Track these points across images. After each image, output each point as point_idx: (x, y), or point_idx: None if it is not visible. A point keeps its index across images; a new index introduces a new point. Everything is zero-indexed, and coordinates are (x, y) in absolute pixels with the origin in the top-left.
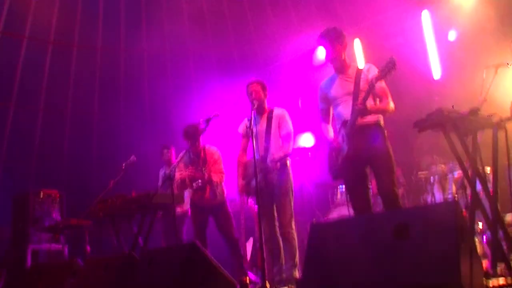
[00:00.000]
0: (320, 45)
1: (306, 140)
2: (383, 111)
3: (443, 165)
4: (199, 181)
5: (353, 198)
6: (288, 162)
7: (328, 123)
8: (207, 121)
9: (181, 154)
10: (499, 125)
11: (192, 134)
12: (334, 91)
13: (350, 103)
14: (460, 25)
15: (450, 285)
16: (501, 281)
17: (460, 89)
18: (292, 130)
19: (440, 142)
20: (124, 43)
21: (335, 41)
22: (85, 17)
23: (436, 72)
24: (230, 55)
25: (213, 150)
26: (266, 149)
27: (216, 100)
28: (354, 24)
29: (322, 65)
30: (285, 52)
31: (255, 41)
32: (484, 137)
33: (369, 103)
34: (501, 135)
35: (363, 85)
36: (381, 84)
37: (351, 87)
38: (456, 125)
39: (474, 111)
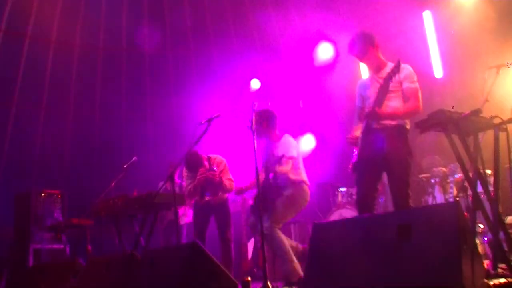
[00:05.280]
0: (352, 54)
1: (307, 141)
2: (404, 115)
3: (444, 168)
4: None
5: (357, 195)
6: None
7: (361, 122)
8: (209, 121)
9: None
10: (501, 126)
11: (194, 166)
12: (368, 90)
13: None
14: (461, 25)
15: (451, 285)
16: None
17: (462, 89)
18: (295, 155)
19: (440, 142)
20: (125, 43)
21: (367, 45)
22: (87, 16)
23: (438, 72)
24: (231, 55)
25: (219, 160)
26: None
27: (217, 100)
28: (355, 25)
29: (324, 66)
30: (286, 52)
31: (256, 41)
32: (485, 138)
33: (391, 104)
34: (502, 136)
35: (393, 85)
36: (410, 85)
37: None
38: (457, 126)
39: (476, 112)
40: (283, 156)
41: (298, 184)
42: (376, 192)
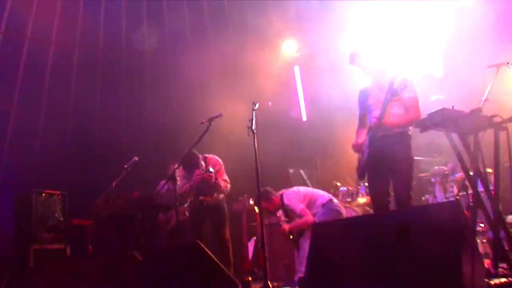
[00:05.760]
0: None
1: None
2: (406, 124)
3: (444, 167)
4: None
5: (372, 200)
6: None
7: (364, 128)
8: (210, 121)
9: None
10: (501, 125)
11: (190, 166)
12: (369, 98)
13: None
14: (460, 24)
15: (451, 285)
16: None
17: (461, 88)
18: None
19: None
20: (124, 42)
21: (359, 58)
22: (86, 16)
23: (438, 71)
24: (231, 54)
25: (214, 161)
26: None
27: (217, 100)
28: None
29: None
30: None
31: (256, 42)
32: (486, 137)
33: (394, 111)
34: (502, 135)
35: (395, 94)
36: (410, 94)
37: (382, 95)
38: (457, 125)
39: (476, 111)
40: (301, 211)
41: (331, 210)
42: (388, 195)
